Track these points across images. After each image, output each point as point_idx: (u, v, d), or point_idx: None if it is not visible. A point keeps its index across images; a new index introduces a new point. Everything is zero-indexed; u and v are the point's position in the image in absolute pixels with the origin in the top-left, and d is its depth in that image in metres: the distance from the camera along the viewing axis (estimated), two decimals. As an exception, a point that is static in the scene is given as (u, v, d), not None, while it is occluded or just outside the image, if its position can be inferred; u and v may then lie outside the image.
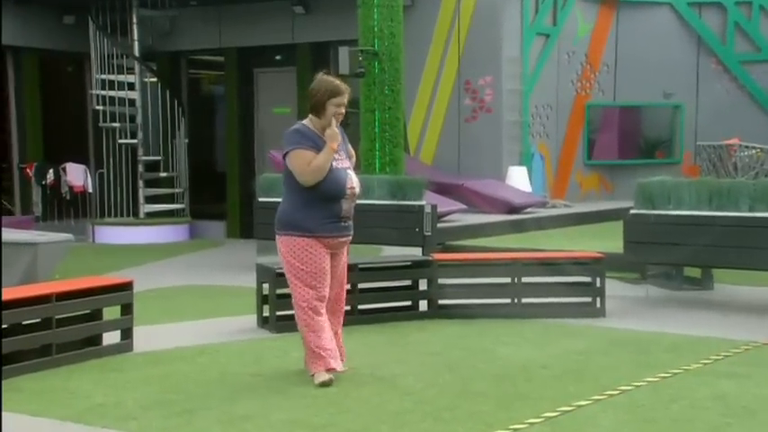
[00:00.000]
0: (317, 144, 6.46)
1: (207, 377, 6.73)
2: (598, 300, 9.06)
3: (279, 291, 8.06)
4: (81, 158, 17.96)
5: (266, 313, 8.41)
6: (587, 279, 9.16)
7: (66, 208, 17.58)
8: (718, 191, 9.26)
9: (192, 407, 5.91)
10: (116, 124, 17.29)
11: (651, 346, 7.69)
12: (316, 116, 6.52)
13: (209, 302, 10.28)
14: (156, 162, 17.67)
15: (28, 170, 17.38)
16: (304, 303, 6.46)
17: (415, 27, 15.20)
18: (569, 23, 16.86)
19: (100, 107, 17.24)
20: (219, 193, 18.07)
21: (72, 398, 6.18)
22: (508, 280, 9.10)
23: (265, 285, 8.38)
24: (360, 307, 8.69)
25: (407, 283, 9.14)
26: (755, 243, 9.03)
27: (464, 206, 13.72)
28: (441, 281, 9.03)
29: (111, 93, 17.16)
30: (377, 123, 13.18)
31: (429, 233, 10.98)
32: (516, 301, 9.05)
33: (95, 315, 7.48)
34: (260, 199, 12.50)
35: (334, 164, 6.46)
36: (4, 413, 4.91)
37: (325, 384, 6.35)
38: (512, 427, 5.45)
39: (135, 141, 17.47)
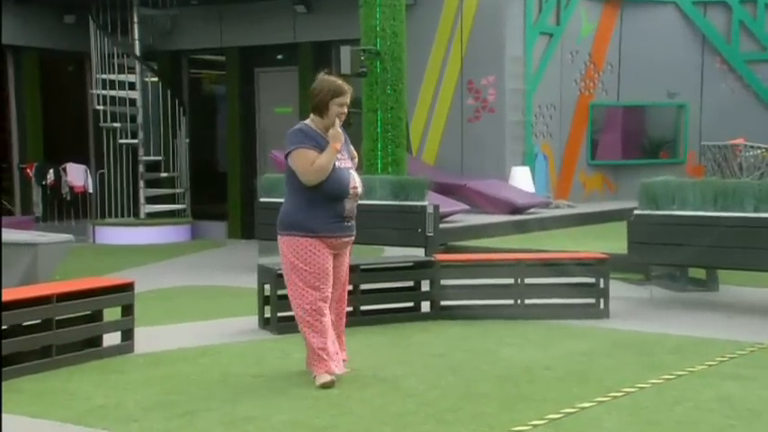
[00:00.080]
0: (319, 144, 6.44)
1: (208, 378, 6.72)
2: (602, 301, 9.04)
3: (280, 292, 8.02)
4: (81, 158, 17.95)
5: (268, 314, 8.38)
6: (591, 280, 9.14)
7: (66, 208, 17.58)
8: (723, 191, 9.22)
9: (193, 408, 5.90)
10: (117, 124, 17.29)
11: (655, 347, 7.67)
12: (318, 116, 6.51)
13: (211, 303, 10.26)
14: (157, 162, 17.66)
15: (28, 170, 17.37)
16: (307, 305, 6.44)
17: (417, 26, 15.17)
18: (573, 23, 16.84)
19: (100, 107, 17.23)
20: (221, 194, 18.06)
21: (72, 399, 6.17)
22: (511, 281, 9.09)
23: (267, 286, 8.36)
24: (362, 308, 8.67)
25: (410, 284, 9.11)
26: (761, 244, 8.99)
27: (467, 207, 13.71)
28: (443, 282, 9.01)
29: (112, 92, 17.16)
30: (379, 123, 13.17)
31: (431, 234, 10.96)
32: (519, 302, 9.03)
33: (96, 316, 7.45)
34: (261, 199, 12.49)
35: (336, 163, 6.45)
36: (3, 415, 4.89)
37: (326, 386, 6.33)
38: (515, 428, 5.43)
39: (136, 141, 17.46)
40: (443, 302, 9.00)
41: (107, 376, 6.78)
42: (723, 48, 17.54)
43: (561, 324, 8.67)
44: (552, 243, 12.12)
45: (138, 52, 17.46)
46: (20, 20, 16.71)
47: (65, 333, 7.11)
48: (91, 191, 17.62)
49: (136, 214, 17.55)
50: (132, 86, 17.33)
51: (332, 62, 15.77)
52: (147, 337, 7.83)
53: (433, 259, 9.25)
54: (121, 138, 17.44)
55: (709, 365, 7.00)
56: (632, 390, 6.28)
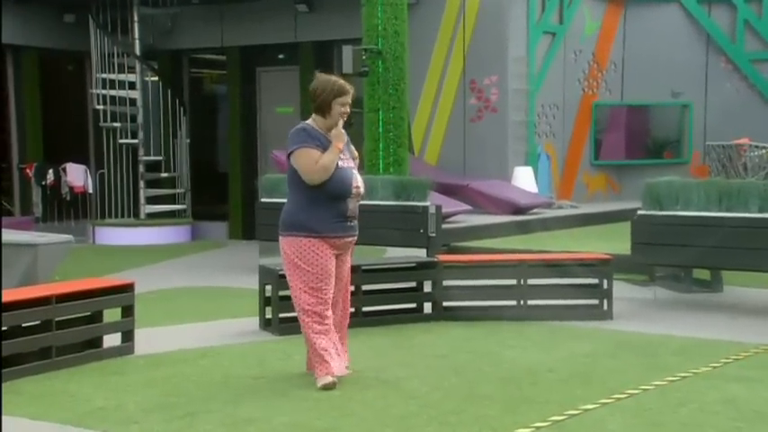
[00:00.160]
0: (322, 144, 6.43)
1: (209, 380, 6.71)
2: (605, 302, 9.02)
3: (281, 293, 8.02)
4: (81, 158, 17.93)
5: (269, 315, 8.37)
6: (594, 281, 9.12)
7: (66, 209, 17.56)
8: (728, 191, 9.19)
9: (193, 410, 5.89)
10: (117, 124, 17.25)
11: (659, 348, 7.65)
12: (321, 116, 6.50)
13: (211, 304, 10.24)
14: (158, 162, 17.62)
15: (28, 170, 17.35)
16: (309, 307, 6.42)
17: (419, 25, 15.13)
18: (576, 22, 16.81)
19: (100, 106, 17.19)
20: (221, 194, 18.04)
21: (72, 401, 6.16)
22: (514, 282, 9.06)
23: (268, 287, 8.35)
24: (364, 309, 8.66)
25: (412, 284, 9.09)
26: (765, 244, 8.95)
27: (469, 207, 13.70)
28: (446, 283, 9.00)
29: (112, 92, 17.13)
30: (381, 123, 13.16)
31: (434, 234, 10.95)
32: (522, 303, 9.01)
33: (96, 317, 7.44)
34: (262, 199, 12.51)
35: (339, 163, 6.45)
36: (3, 416, 4.90)
37: (328, 387, 6.32)
38: (518, 431, 5.41)
39: (136, 141, 17.43)
40: (446, 303, 8.98)
41: (107, 378, 6.77)
42: (728, 47, 17.47)
43: (564, 325, 8.65)
44: (555, 244, 12.09)
45: (138, 51, 17.43)
46: (19, 19, 16.68)
47: (64, 334, 7.09)
48: (91, 191, 17.59)
49: (136, 215, 17.52)
50: (132, 86, 17.29)
51: (333, 62, 15.74)
52: (148, 339, 7.81)
53: (435, 260, 9.24)
54: (121, 138, 17.40)
55: (714, 367, 6.98)
56: (636, 391, 6.26)
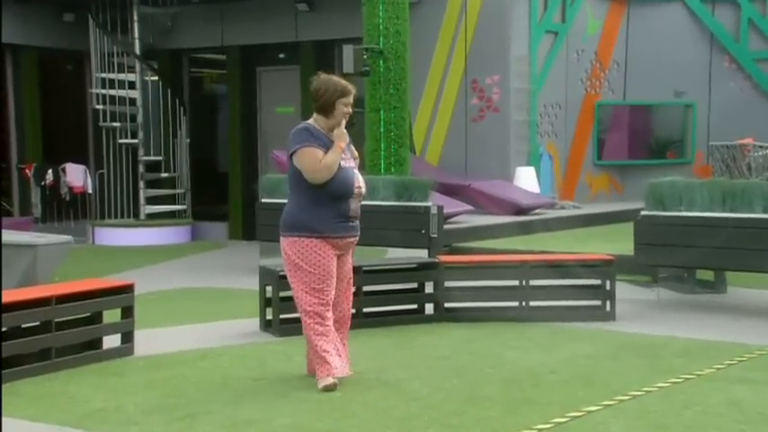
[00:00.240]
0: (325, 143, 6.44)
1: (209, 381, 6.71)
2: (608, 303, 8.99)
3: (282, 293, 8.03)
4: (81, 158, 17.93)
5: (269, 316, 8.36)
6: (597, 282, 9.10)
7: (65, 209, 17.55)
8: (732, 192, 9.16)
9: (194, 411, 5.89)
10: (116, 124, 17.23)
11: (662, 350, 7.63)
12: (324, 116, 6.50)
13: (211, 305, 10.23)
14: (157, 162, 17.60)
15: (27, 171, 17.35)
16: (310, 308, 6.42)
17: (420, 24, 15.11)
18: (579, 21, 16.78)
19: (100, 106, 17.18)
20: (222, 194, 18.02)
21: (72, 402, 6.17)
22: (516, 283, 9.04)
23: (268, 288, 8.33)
24: (365, 310, 8.65)
25: (413, 285, 9.07)
26: (770, 245, 8.94)
27: (471, 207, 13.69)
28: (447, 283, 8.97)
29: (112, 91, 17.11)
30: (382, 123, 13.13)
31: (435, 235, 10.94)
32: (524, 304, 8.98)
33: (95, 318, 7.43)
34: (263, 200, 12.53)
35: (341, 163, 6.45)
36: (2, 418, 4.89)
37: (329, 389, 6.32)
38: (520, 432, 5.42)
39: (136, 141, 17.40)
40: (447, 304, 8.96)
41: (107, 379, 6.77)
42: (731, 46, 17.43)
43: (566, 326, 8.62)
44: (557, 244, 12.09)
45: (138, 51, 17.41)
46: (19, 18, 16.65)
47: (64, 335, 7.10)
48: (90, 191, 17.57)
49: (136, 215, 17.49)
50: (132, 85, 17.27)
51: (334, 61, 15.71)
52: (147, 340, 7.79)
53: (436, 261, 9.22)
54: (121, 137, 17.38)
55: (718, 369, 6.96)
56: (639, 393, 6.24)
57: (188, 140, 17.56)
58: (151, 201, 17.51)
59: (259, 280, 8.48)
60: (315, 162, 6.34)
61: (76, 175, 17.39)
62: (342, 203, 6.43)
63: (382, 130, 13.14)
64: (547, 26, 16.17)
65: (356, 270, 7.62)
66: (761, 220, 8.96)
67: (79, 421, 5.71)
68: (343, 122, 6.49)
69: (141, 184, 17.46)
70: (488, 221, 13.61)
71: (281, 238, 6.50)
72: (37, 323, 6.96)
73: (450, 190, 13.79)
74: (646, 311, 9.37)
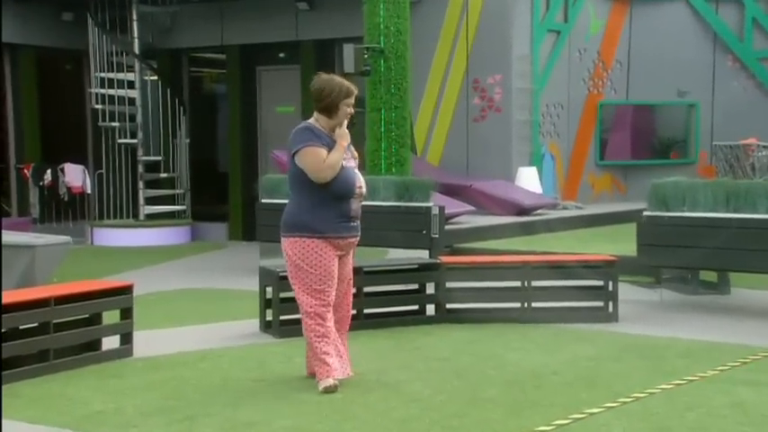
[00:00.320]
0: (327, 143, 6.44)
1: (209, 383, 6.70)
2: (610, 304, 8.96)
3: (282, 294, 8.02)
4: (80, 158, 17.88)
5: (269, 317, 8.35)
6: (599, 283, 9.08)
7: (64, 209, 17.51)
8: (735, 192, 9.13)
9: (193, 413, 5.89)
10: (115, 123, 17.20)
11: (665, 352, 7.61)
12: (327, 116, 6.51)
13: (211, 306, 10.22)
14: (157, 162, 17.56)
15: (25, 171, 17.32)
16: (311, 309, 6.41)
17: (422, 24, 15.08)
18: (581, 20, 16.75)
19: (99, 106, 17.15)
20: (221, 195, 18.00)
21: (70, 404, 6.17)
22: (518, 284, 9.03)
23: (268, 289, 8.32)
24: (365, 311, 8.64)
25: (414, 286, 9.04)
26: (774, 246, 8.91)
27: (472, 208, 13.67)
28: (448, 284, 8.95)
29: (111, 91, 17.07)
30: (383, 123, 13.11)
31: (436, 235, 10.92)
32: (526, 305, 8.96)
33: (94, 319, 7.43)
34: (263, 200, 12.52)
35: (343, 162, 6.46)
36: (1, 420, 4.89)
37: (329, 390, 6.32)
38: (522, 435, 5.41)
39: (135, 141, 17.36)
40: (449, 305, 8.93)
41: (105, 381, 6.77)
42: (735, 45, 17.39)
43: (569, 328, 8.60)
44: (560, 245, 12.08)
45: (137, 50, 17.37)
46: (17, 17, 16.61)
47: (63, 337, 7.10)
48: (89, 191, 17.53)
49: (135, 215, 17.46)
50: (131, 85, 17.24)
51: (335, 60, 15.67)
52: (147, 341, 7.78)
53: (438, 261, 9.19)
54: (120, 137, 17.35)
55: (721, 370, 6.94)
56: (642, 395, 6.22)
57: (188, 140, 17.53)
58: (150, 201, 17.48)
59: (259, 281, 8.46)
60: (319, 161, 6.34)
61: (75, 176, 17.34)
62: (343, 203, 6.43)
63: (383, 129, 13.12)
64: (549, 25, 16.14)
65: (357, 271, 7.64)
66: (764, 220, 8.92)
67: (78, 423, 5.70)
68: (345, 122, 6.50)
69: (140, 184, 17.42)
70: (490, 222, 13.59)
71: (282, 239, 6.49)
72: (35, 324, 6.95)
73: (451, 190, 13.78)
74: (649, 313, 9.35)
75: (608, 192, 17.48)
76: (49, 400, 6.24)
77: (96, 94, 17.13)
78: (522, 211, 14.36)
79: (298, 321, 6.63)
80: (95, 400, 6.20)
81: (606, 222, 14.75)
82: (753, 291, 10.18)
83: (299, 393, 6.31)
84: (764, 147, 15.43)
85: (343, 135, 6.47)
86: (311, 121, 6.55)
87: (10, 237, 10.62)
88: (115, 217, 17.47)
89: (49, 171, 17.16)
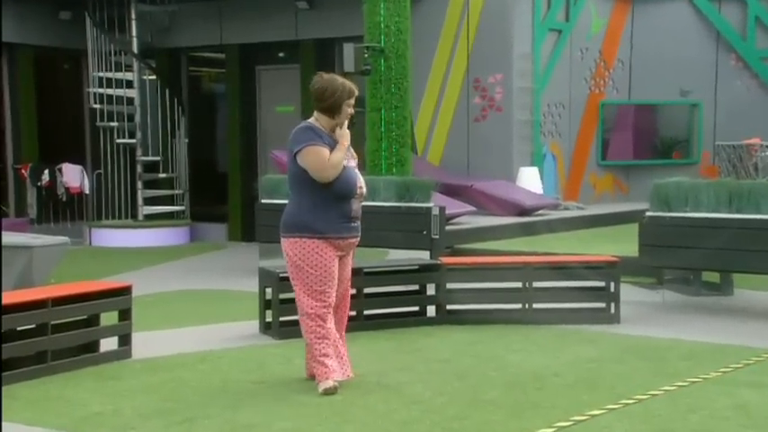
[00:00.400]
0: (328, 142, 6.44)
1: (208, 385, 6.70)
2: (612, 305, 8.94)
3: (282, 295, 8.02)
4: (78, 159, 17.84)
5: (269, 319, 8.34)
6: (601, 284, 9.06)
7: (62, 210, 17.48)
8: (738, 192, 9.10)
9: (192, 415, 5.88)
10: (114, 123, 17.18)
11: (668, 353, 7.60)
12: (329, 116, 6.51)
13: (210, 307, 10.21)
14: (156, 162, 17.54)
15: (23, 171, 17.29)
16: (311, 311, 6.40)
17: (422, 23, 15.06)
18: (583, 19, 16.72)
19: (97, 105, 17.12)
20: (221, 195, 17.97)
21: (68, 406, 6.17)
22: (519, 284, 9.01)
23: (268, 290, 8.31)
24: (366, 312, 8.64)
25: (415, 287, 9.03)
26: (776, 246, 8.88)
27: (473, 208, 13.63)
28: (449, 285, 8.93)
29: (109, 91, 17.05)
30: (383, 122, 13.09)
31: (437, 236, 10.92)
32: (527, 306, 8.94)
33: (92, 321, 7.42)
34: (262, 200, 12.53)
35: (344, 162, 6.46)
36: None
37: (329, 392, 6.31)
38: (524, 437, 5.41)
39: (133, 141, 17.33)
40: (449, 306, 8.92)
41: (104, 382, 6.77)
42: (738, 44, 17.33)
43: (570, 329, 8.59)
44: (561, 246, 12.06)
45: (135, 49, 17.35)
46: (15, 16, 16.58)
47: (60, 338, 7.09)
48: (87, 192, 17.47)
49: (134, 216, 17.44)
50: (130, 85, 17.22)
51: (335, 60, 15.65)
52: (145, 343, 7.78)
53: (438, 262, 9.17)
54: (119, 137, 17.32)
55: (724, 372, 6.93)
56: (644, 397, 6.22)
57: (186, 140, 17.51)
58: (149, 201, 17.46)
59: (258, 282, 8.45)
60: (322, 161, 6.34)
61: (73, 176, 17.30)
62: (344, 204, 6.43)
63: (383, 129, 13.09)
64: (550, 24, 16.11)
65: (357, 272, 7.66)
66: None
67: (76, 425, 5.69)
68: (346, 122, 6.51)
69: (139, 184, 17.39)
70: (491, 222, 13.56)
71: (282, 239, 6.47)
72: (33, 326, 6.95)
73: (452, 190, 13.77)
74: (651, 314, 9.34)
75: (610, 192, 17.46)
76: (46, 402, 6.23)
77: (94, 93, 17.10)
78: (524, 211, 14.32)
79: (297, 323, 6.61)
80: (93, 402, 6.20)
81: (608, 223, 14.73)
82: (756, 292, 10.17)
83: (298, 395, 6.30)
84: (767, 147, 15.41)
85: (345, 135, 6.48)
86: (311, 120, 6.54)
87: (7, 237, 10.59)
88: (113, 217, 17.45)
89: (46, 171, 17.12)
